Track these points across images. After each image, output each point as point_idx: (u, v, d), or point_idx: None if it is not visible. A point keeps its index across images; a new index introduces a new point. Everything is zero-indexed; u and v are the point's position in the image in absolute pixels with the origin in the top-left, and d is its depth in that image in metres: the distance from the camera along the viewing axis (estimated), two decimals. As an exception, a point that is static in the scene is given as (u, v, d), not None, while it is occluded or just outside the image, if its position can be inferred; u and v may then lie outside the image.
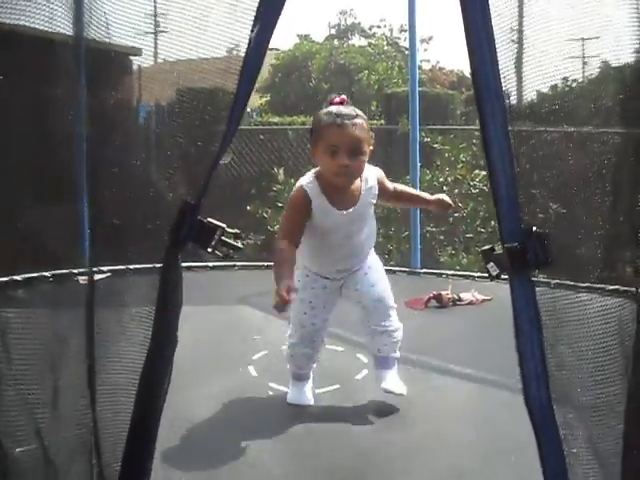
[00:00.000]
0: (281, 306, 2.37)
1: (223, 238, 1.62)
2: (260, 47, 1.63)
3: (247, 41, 1.62)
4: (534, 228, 1.57)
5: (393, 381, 2.76)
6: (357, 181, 2.67)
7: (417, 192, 3.01)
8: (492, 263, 1.61)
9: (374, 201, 2.72)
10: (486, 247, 1.62)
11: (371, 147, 2.64)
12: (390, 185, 2.84)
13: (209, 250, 1.61)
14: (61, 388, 1.64)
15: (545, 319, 1.56)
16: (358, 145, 2.57)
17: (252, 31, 1.63)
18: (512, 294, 1.56)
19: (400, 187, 2.96)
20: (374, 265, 2.83)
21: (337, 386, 2.98)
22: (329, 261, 2.75)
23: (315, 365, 2.88)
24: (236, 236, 1.66)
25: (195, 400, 2.82)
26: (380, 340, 2.77)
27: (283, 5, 1.65)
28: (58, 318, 1.70)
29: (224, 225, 1.63)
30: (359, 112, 2.64)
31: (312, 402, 2.83)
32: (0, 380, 1.65)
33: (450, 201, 2.82)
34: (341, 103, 2.66)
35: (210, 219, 1.62)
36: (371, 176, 2.71)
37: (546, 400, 1.55)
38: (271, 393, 2.97)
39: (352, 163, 2.56)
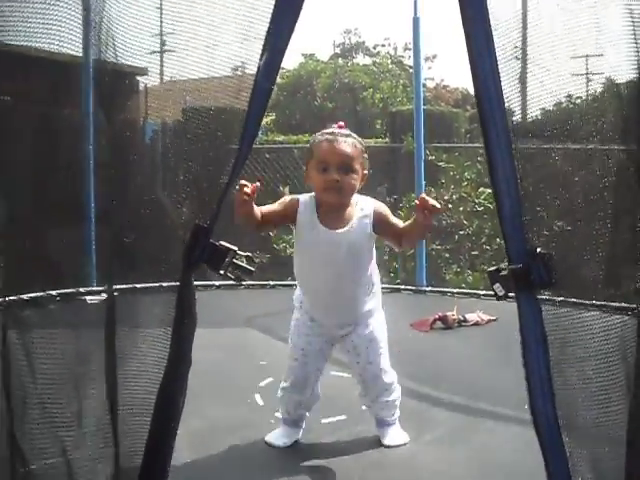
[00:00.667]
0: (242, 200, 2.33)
1: (235, 261, 1.64)
2: (271, 71, 1.67)
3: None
4: (538, 249, 1.60)
5: (394, 436, 2.73)
6: (351, 207, 2.63)
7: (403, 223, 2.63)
8: (498, 284, 1.63)
9: (369, 231, 2.59)
10: (492, 268, 1.65)
11: (365, 171, 2.62)
12: (396, 222, 2.64)
13: (221, 272, 1.63)
14: (83, 406, 1.66)
15: (551, 337, 1.58)
16: (348, 162, 2.56)
17: (260, 59, 1.68)
18: (519, 312, 1.59)
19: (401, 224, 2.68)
20: (377, 329, 2.70)
21: (343, 417, 2.95)
22: (321, 293, 2.65)
23: (307, 414, 2.79)
24: (248, 259, 1.67)
25: (201, 429, 2.77)
26: (379, 408, 2.75)
27: (294, 28, 1.69)
28: (79, 338, 1.72)
29: (235, 248, 1.64)
30: (354, 135, 2.65)
31: (282, 445, 2.71)
32: (25, 398, 1.66)
33: (433, 201, 2.35)
34: (339, 128, 2.67)
35: (222, 242, 1.64)
36: (367, 205, 2.64)
37: (553, 418, 1.57)
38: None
39: (342, 178, 2.55)
